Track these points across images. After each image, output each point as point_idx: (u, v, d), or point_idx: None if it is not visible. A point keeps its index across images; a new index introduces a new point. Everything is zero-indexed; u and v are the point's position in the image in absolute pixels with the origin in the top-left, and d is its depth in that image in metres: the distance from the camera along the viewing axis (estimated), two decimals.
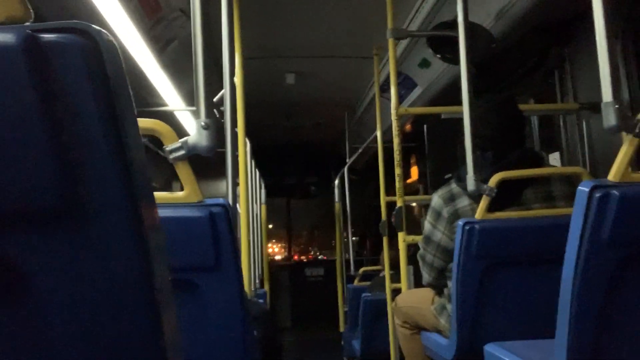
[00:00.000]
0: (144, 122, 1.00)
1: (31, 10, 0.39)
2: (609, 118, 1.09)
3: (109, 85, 0.39)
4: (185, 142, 1.06)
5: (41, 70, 0.37)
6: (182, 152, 1.05)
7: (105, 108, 0.39)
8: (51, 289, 0.43)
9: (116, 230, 0.43)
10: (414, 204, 5.31)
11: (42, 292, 0.43)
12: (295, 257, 8.84)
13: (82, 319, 0.44)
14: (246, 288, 2.43)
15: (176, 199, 1.07)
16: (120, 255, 0.44)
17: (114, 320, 0.45)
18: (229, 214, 1.07)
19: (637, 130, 1.08)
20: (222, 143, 2.04)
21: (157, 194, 1.09)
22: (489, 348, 1.62)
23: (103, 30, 0.41)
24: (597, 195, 1.08)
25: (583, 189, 1.10)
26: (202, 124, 1.11)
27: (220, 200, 1.08)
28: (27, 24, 0.39)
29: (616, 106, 1.07)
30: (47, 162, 0.38)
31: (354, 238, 7.33)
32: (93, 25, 0.39)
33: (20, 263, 0.41)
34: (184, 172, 1.06)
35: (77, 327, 0.44)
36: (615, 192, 1.07)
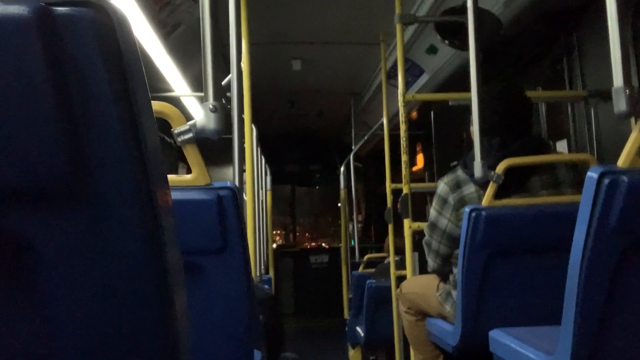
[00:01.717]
0: (152, 105, 1.00)
1: None
2: (620, 103, 1.08)
3: (122, 61, 0.39)
4: (194, 125, 1.06)
5: (54, 43, 0.37)
6: (190, 135, 1.05)
7: (118, 83, 0.39)
8: (62, 267, 0.42)
9: (128, 209, 0.43)
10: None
11: (53, 269, 0.42)
12: (300, 244, 8.85)
13: (92, 298, 0.44)
14: (252, 274, 2.44)
15: (184, 182, 1.07)
16: (131, 234, 0.44)
17: (125, 301, 0.45)
18: (236, 197, 1.07)
19: None
20: (229, 129, 2.03)
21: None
22: (494, 334, 1.63)
23: (117, 6, 0.40)
24: (606, 181, 1.08)
25: (592, 174, 1.10)
26: (210, 106, 1.11)
27: (228, 184, 1.08)
28: None
29: (627, 91, 1.07)
30: (59, 138, 0.38)
31: (358, 225, 7.33)
32: (108, 0, 0.39)
33: (31, 239, 0.41)
34: (192, 155, 1.06)
35: (86, 307, 0.44)
36: (624, 178, 1.06)
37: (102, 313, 0.44)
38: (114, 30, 0.39)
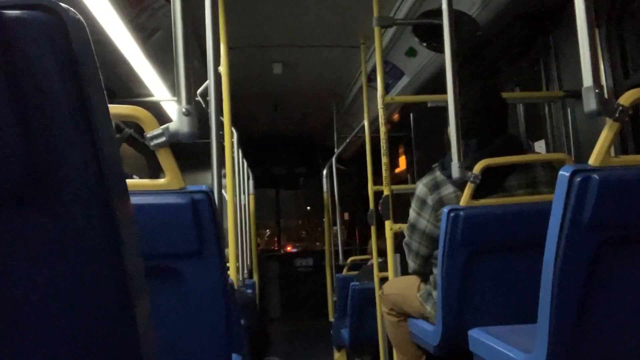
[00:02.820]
0: (122, 109, 0.99)
1: None
2: (589, 102, 1.09)
3: (75, 62, 0.39)
4: (167, 129, 1.06)
5: (5, 47, 0.36)
6: (163, 139, 1.04)
7: (72, 87, 0.39)
8: (17, 270, 0.42)
9: (85, 215, 0.42)
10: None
11: (9, 273, 0.42)
12: (286, 248, 8.84)
13: (50, 302, 0.43)
14: (233, 277, 2.43)
15: (158, 186, 1.07)
16: (88, 239, 0.43)
17: (82, 307, 0.44)
18: (211, 201, 1.06)
19: (617, 115, 1.09)
20: (207, 134, 2.03)
21: (138, 181, 1.09)
22: (474, 333, 1.64)
23: (71, 8, 0.40)
24: (578, 179, 1.09)
25: (564, 173, 1.11)
26: (183, 110, 1.10)
27: (203, 187, 1.08)
28: None
29: (596, 91, 1.08)
30: (11, 139, 0.37)
31: (342, 227, 7.34)
32: (60, 3, 0.38)
33: None
34: (166, 159, 1.06)
35: (45, 311, 0.43)
36: (595, 176, 1.08)
37: (61, 318, 0.44)
38: (67, 33, 0.38)
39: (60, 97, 0.38)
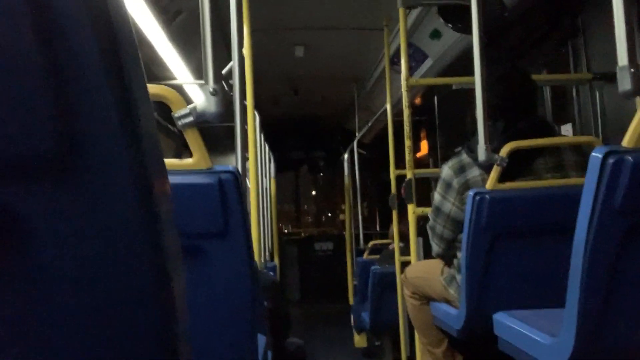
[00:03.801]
0: (151, 88, 0.99)
1: None
2: (624, 82, 1.07)
3: (114, 33, 0.38)
4: (194, 109, 1.05)
5: (43, 12, 0.36)
6: (190, 119, 1.04)
7: (108, 55, 0.38)
8: (54, 243, 0.41)
9: (122, 190, 0.42)
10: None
11: (44, 245, 0.41)
12: (305, 231, 8.87)
13: (84, 277, 0.43)
14: (256, 260, 2.44)
15: (185, 166, 1.07)
16: (126, 213, 0.43)
17: (120, 284, 0.44)
18: (238, 181, 1.06)
19: None
20: (231, 117, 2.03)
21: (165, 160, 1.09)
22: (498, 317, 1.63)
23: None
24: (611, 161, 1.07)
25: (596, 155, 1.09)
26: (211, 89, 1.10)
27: (230, 167, 1.08)
28: None
29: (632, 70, 1.05)
30: (48, 110, 0.37)
31: (363, 211, 7.34)
32: None
33: (21, 212, 0.40)
34: (193, 139, 1.06)
35: (78, 285, 0.43)
36: (629, 157, 1.06)
37: (96, 294, 0.44)
38: (105, 2, 0.38)
39: (98, 69, 0.38)
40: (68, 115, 0.38)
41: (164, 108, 1.07)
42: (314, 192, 9.40)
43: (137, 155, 0.42)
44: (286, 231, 8.81)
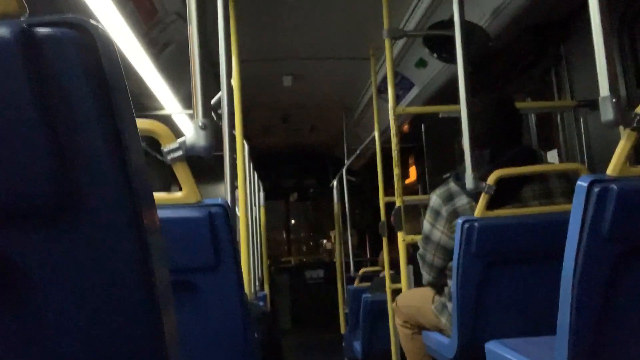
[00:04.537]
0: (140, 123, 0.99)
1: (26, 6, 0.39)
2: (607, 112, 1.09)
3: (105, 80, 0.39)
4: (183, 143, 1.06)
5: (37, 64, 0.37)
6: (179, 153, 1.05)
7: (101, 103, 0.39)
8: (50, 287, 0.42)
9: (115, 229, 0.42)
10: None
11: (41, 290, 0.42)
12: (295, 259, 8.82)
13: (81, 318, 0.43)
14: (246, 290, 2.42)
15: (175, 200, 1.07)
16: (119, 254, 0.43)
17: (113, 319, 0.44)
18: (227, 214, 1.06)
19: (634, 124, 1.08)
20: (220, 146, 2.03)
21: (155, 194, 1.08)
22: (490, 346, 1.62)
23: (99, 25, 0.40)
24: (596, 189, 1.08)
25: (582, 183, 1.10)
26: (200, 124, 1.11)
27: (219, 200, 1.08)
28: (22, 18, 0.39)
29: (613, 100, 1.07)
30: (43, 158, 0.38)
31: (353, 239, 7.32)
32: (90, 20, 0.39)
33: (18, 261, 0.40)
34: (182, 172, 1.06)
35: (75, 326, 0.43)
36: (614, 186, 1.07)
37: (92, 332, 0.44)
38: (96, 50, 0.39)
39: (90, 114, 0.39)
40: (62, 163, 0.38)
41: (152, 138, 1.08)
42: (304, 220, 9.38)
43: (128, 195, 0.42)
44: (276, 260, 8.76)
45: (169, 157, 1.04)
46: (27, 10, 0.38)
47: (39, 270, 0.41)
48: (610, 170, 1.11)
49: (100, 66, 0.39)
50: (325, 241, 9.14)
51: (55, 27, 0.37)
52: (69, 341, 0.43)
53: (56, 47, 0.37)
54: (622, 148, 1.10)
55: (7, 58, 0.36)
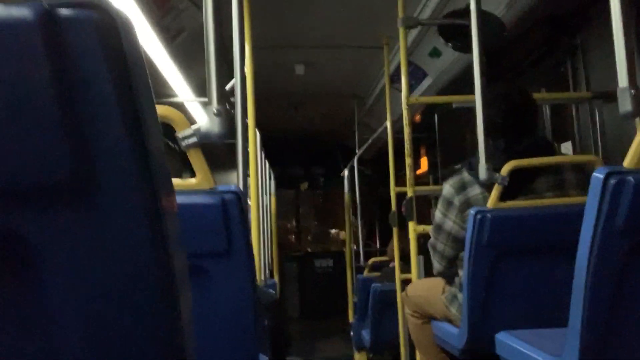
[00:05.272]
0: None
1: None
2: (625, 104, 1.07)
3: (125, 62, 0.39)
4: (198, 129, 1.06)
5: (57, 45, 0.37)
6: (194, 139, 1.05)
7: (121, 85, 0.39)
8: (63, 266, 0.42)
9: (133, 211, 0.43)
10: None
11: (53, 268, 0.42)
12: (305, 248, 8.84)
13: (97, 299, 0.44)
14: (257, 277, 2.43)
15: (188, 186, 1.07)
16: (137, 236, 0.43)
17: (130, 301, 0.44)
18: (241, 201, 1.07)
19: None
20: (233, 134, 2.04)
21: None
22: (501, 337, 1.62)
23: (120, 8, 0.40)
24: (612, 181, 1.07)
25: (598, 175, 1.09)
26: (214, 110, 1.11)
27: (232, 187, 1.08)
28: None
29: (632, 92, 1.06)
30: (62, 139, 0.38)
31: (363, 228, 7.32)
32: (110, 2, 0.39)
33: (33, 238, 0.41)
34: (196, 159, 1.06)
35: (90, 308, 0.43)
36: (631, 178, 1.06)
37: (106, 315, 0.44)
38: (117, 32, 0.39)
39: (110, 95, 0.39)
40: (81, 144, 0.38)
41: (165, 125, 1.08)
42: (314, 209, 9.39)
43: (147, 178, 0.42)
44: (286, 248, 8.78)
45: (184, 143, 1.04)
46: None
47: (55, 250, 0.41)
48: (627, 163, 1.09)
49: (120, 48, 0.39)
50: (334, 231, 9.15)
51: (77, 8, 0.37)
52: (84, 321, 0.44)
53: (77, 28, 0.37)
54: (639, 140, 1.09)
55: (29, 39, 0.36)
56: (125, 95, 0.39)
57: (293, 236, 8.94)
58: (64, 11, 0.37)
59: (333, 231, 9.17)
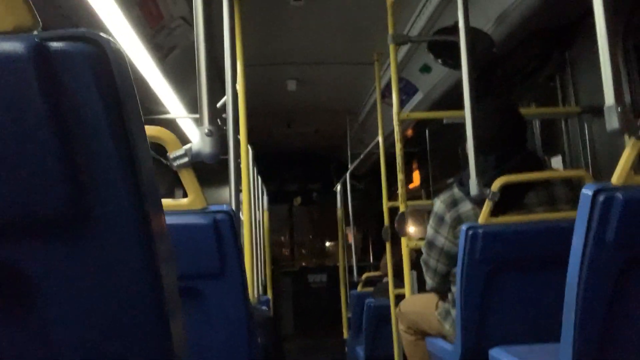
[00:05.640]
0: (147, 130, 1.00)
1: (39, 21, 0.40)
2: (612, 121, 1.09)
3: (117, 93, 0.40)
4: (189, 149, 1.06)
5: (50, 78, 0.37)
6: (185, 159, 1.05)
7: (113, 117, 0.40)
8: (59, 296, 0.43)
9: (124, 236, 0.43)
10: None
11: (50, 299, 0.43)
12: (299, 263, 8.81)
13: (90, 326, 0.44)
14: (249, 295, 2.42)
15: (180, 206, 1.07)
16: (128, 263, 0.44)
17: (122, 328, 0.45)
18: (233, 221, 1.07)
19: None
20: (225, 150, 2.04)
21: (162, 201, 1.09)
22: (494, 352, 1.62)
23: (111, 39, 0.41)
24: (601, 198, 1.08)
25: (587, 192, 1.10)
26: (206, 131, 1.11)
27: (224, 207, 1.08)
28: (35, 33, 0.39)
29: (619, 109, 1.08)
30: (55, 170, 0.38)
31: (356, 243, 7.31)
32: (101, 34, 0.39)
33: (28, 270, 0.41)
34: (188, 179, 1.07)
35: (84, 335, 0.44)
36: (618, 195, 1.07)
37: (101, 340, 0.45)
38: (108, 63, 0.39)
39: (102, 126, 0.39)
40: (74, 175, 0.39)
41: (157, 143, 1.08)
42: (308, 224, 9.37)
43: (139, 205, 0.43)
44: (280, 264, 8.75)
45: (175, 163, 1.05)
46: (41, 24, 0.39)
47: (48, 279, 0.42)
48: (615, 179, 1.11)
49: (112, 79, 0.39)
50: (328, 244, 9.13)
51: (68, 41, 0.38)
52: (78, 349, 0.44)
53: (69, 61, 0.38)
54: (627, 157, 1.10)
55: (21, 72, 0.36)
56: (117, 126, 0.40)
57: (287, 251, 8.91)
58: (55, 44, 0.37)
59: (328, 244, 9.16)
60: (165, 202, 1.07)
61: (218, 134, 1.14)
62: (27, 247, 0.39)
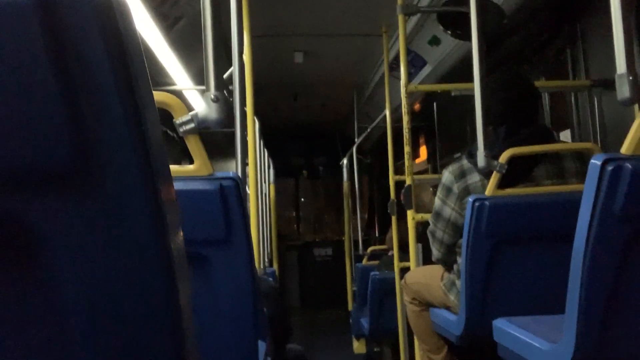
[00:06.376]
0: (154, 96, 0.99)
1: None
2: (623, 90, 1.07)
3: (123, 45, 0.39)
4: (196, 115, 1.06)
5: (54, 27, 0.37)
6: (192, 125, 1.05)
7: (119, 67, 0.39)
8: (65, 253, 0.42)
9: (131, 196, 0.43)
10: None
11: (55, 255, 0.42)
12: (304, 237, 8.86)
13: (95, 285, 0.44)
14: (256, 266, 2.44)
15: (187, 172, 1.07)
16: (135, 222, 0.43)
17: (128, 288, 0.45)
18: (239, 188, 1.07)
19: None
20: (231, 123, 2.03)
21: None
22: (498, 323, 1.63)
23: None
24: (610, 168, 1.07)
25: (595, 162, 1.09)
26: (212, 97, 1.11)
27: (231, 174, 1.08)
28: None
29: (630, 78, 1.06)
30: (60, 121, 0.38)
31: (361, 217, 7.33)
32: None
33: (34, 224, 0.41)
34: (194, 145, 1.06)
35: (88, 293, 0.44)
36: (628, 165, 1.06)
37: (105, 300, 0.44)
38: (114, 15, 0.39)
39: (108, 78, 0.39)
40: (79, 126, 0.38)
41: (162, 114, 1.07)
42: (313, 198, 9.39)
43: (146, 163, 0.42)
44: (286, 237, 8.80)
45: (182, 129, 1.04)
46: None
47: (54, 234, 0.41)
48: (624, 149, 1.09)
49: (117, 30, 0.39)
50: (334, 218, 9.15)
51: None
52: (82, 308, 0.44)
53: (74, 11, 0.37)
54: (637, 126, 1.09)
55: (24, 20, 0.36)
56: (123, 78, 0.39)
57: (293, 225, 8.95)
58: None
59: (333, 218, 9.19)
60: (172, 168, 1.07)
61: (224, 100, 1.13)
62: (33, 200, 0.39)
